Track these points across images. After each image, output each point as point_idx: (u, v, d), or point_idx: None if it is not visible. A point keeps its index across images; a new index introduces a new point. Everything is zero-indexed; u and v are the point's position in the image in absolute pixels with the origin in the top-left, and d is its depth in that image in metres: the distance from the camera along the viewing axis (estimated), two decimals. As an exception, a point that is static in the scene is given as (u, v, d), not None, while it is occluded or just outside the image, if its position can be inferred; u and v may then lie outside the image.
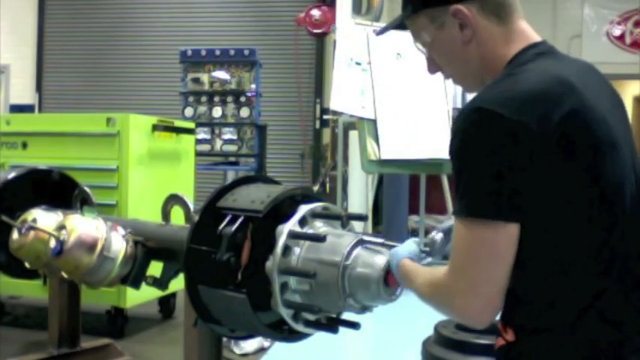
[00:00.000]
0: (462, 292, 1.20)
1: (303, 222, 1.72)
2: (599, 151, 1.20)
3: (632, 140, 1.33)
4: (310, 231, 1.71)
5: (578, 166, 1.18)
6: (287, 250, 1.67)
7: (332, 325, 1.76)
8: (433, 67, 1.43)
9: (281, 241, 1.66)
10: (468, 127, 1.20)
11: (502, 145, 1.16)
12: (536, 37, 1.35)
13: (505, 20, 1.33)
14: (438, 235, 1.60)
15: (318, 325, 1.75)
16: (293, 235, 1.67)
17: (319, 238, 1.65)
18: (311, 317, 1.73)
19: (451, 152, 1.23)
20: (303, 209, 1.73)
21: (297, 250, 1.68)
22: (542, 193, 1.17)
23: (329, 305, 1.68)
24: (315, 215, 1.75)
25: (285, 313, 1.68)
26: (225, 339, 2.13)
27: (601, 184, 1.19)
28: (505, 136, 1.15)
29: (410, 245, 1.51)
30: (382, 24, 5.55)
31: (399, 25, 1.46)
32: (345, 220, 1.80)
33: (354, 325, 1.75)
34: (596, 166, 1.19)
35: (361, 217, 1.91)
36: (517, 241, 1.18)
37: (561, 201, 1.18)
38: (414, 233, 6.42)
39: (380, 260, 1.59)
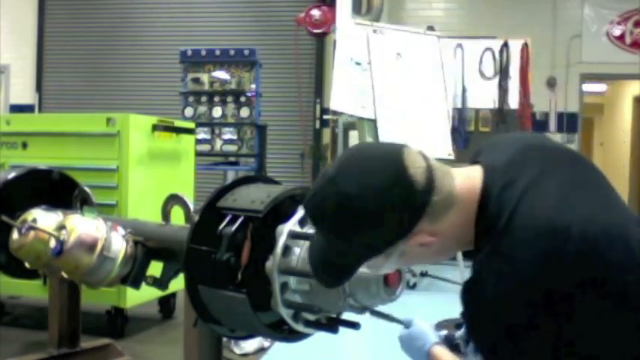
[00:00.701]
0: None
1: (303, 222, 1.72)
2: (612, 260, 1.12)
3: (621, 201, 1.26)
4: (310, 231, 1.71)
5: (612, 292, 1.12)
6: (287, 250, 1.67)
7: (332, 325, 1.76)
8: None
9: (281, 241, 1.66)
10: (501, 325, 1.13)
11: (533, 324, 1.11)
12: (475, 180, 1.22)
13: (452, 204, 1.19)
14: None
15: (318, 325, 1.75)
16: (293, 235, 1.67)
17: (319, 238, 1.65)
18: (311, 317, 1.73)
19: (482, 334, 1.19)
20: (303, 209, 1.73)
21: (297, 250, 1.68)
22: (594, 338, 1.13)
23: (329, 305, 1.68)
24: (315, 215, 1.75)
25: (285, 313, 1.68)
26: (225, 339, 2.13)
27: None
28: (536, 318, 1.11)
29: (427, 327, 1.51)
30: (382, 24, 5.56)
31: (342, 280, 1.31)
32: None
33: (354, 325, 1.75)
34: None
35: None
36: None
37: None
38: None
39: (380, 260, 1.59)
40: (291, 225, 1.68)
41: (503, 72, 6.55)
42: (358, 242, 1.18)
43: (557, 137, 7.80)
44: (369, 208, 1.14)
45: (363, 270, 1.26)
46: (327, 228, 1.20)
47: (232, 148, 6.39)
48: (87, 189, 2.94)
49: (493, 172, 1.22)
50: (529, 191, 1.17)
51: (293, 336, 1.82)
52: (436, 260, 1.33)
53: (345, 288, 1.60)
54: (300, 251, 1.68)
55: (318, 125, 8.50)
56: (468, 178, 1.22)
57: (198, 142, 5.61)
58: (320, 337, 1.87)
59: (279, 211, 1.75)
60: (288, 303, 1.67)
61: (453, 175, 1.22)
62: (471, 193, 1.21)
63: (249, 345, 3.52)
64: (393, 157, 1.18)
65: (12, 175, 2.97)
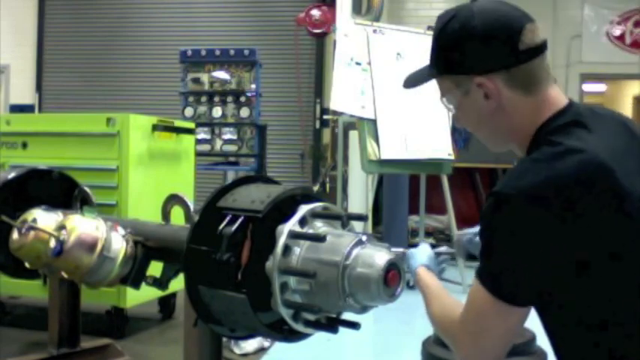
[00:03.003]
0: (467, 343, 1.28)
1: (303, 222, 1.72)
2: (629, 230, 1.19)
3: None
4: (310, 231, 1.71)
5: (604, 247, 1.18)
6: (287, 249, 1.67)
7: (332, 325, 1.76)
8: (459, 122, 1.45)
9: (281, 241, 1.66)
10: (496, 211, 1.21)
11: (528, 234, 1.18)
12: (562, 101, 1.33)
13: (532, 91, 1.31)
14: (464, 237, 1.72)
15: (317, 325, 1.75)
16: (293, 235, 1.67)
17: (319, 238, 1.65)
18: (311, 317, 1.73)
19: (481, 226, 1.26)
20: (304, 209, 1.73)
21: (297, 250, 1.68)
22: (566, 278, 1.20)
23: (329, 305, 1.68)
24: (315, 215, 1.75)
25: (285, 313, 1.68)
26: (225, 339, 2.13)
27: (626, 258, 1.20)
28: (531, 227, 1.17)
29: (426, 250, 1.62)
30: (382, 24, 5.55)
31: (425, 80, 1.47)
32: (345, 220, 1.80)
33: (354, 325, 1.75)
34: (625, 245, 1.19)
35: (361, 217, 1.91)
36: (525, 318, 1.26)
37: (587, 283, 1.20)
38: (414, 232, 6.42)
39: (380, 260, 1.59)
40: (292, 225, 1.69)
41: (503, 72, 6.54)
42: (451, 54, 1.34)
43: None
44: (476, 26, 1.29)
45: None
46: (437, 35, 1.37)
47: (232, 148, 6.39)
48: (87, 189, 2.94)
49: (578, 108, 1.32)
50: (590, 137, 1.24)
51: (293, 336, 1.82)
52: (480, 134, 1.41)
53: (345, 288, 1.60)
54: (300, 251, 1.68)
55: (318, 125, 8.50)
56: (559, 93, 1.33)
57: (198, 142, 5.61)
58: (320, 337, 1.87)
59: (280, 211, 1.75)
60: (288, 303, 1.67)
61: (551, 81, 1.33)
62: (548, 102, 1.31)
63: (249, 345, 3.52)
64: (522, 13, 1.32)
65: (12, 175, 2.96)
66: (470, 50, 1.31)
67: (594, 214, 1.17)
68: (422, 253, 1.61)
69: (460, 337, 1.29)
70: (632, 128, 1.35)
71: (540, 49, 1.30)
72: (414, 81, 1.53)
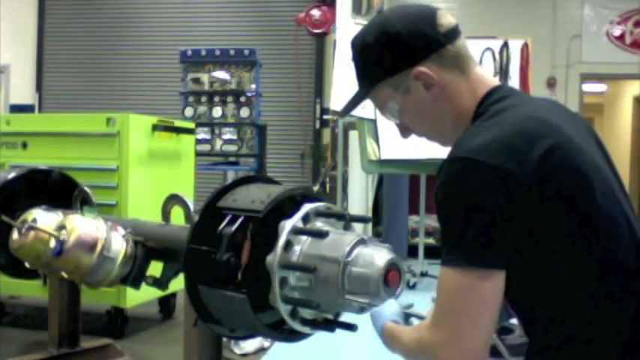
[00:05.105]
0: (445, 343, 1.19)
1: (305, 220, 1.72)
2: (583, 180, 1.21)
3: (614, 167, 1.35)
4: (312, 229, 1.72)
5: (564, 200, 1.19)
6: (288, 245, 1.67)
7: (329, 324, 1.76)
8: (406, 131, 1.46)
9: (283, 235, 1.66)
10: (451, 177, 1.21)
11: (486, 193, 1.17)
12: (494, 81, 1.39)
13: (465, 70, 1.36)
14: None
15: (314, 324, 1.75)
16: (295, 231, 1.68)
17: (321, 234, 1.65)
18: (308, 316, 1.73)
19: (437, 202, 1.24)
20: (307, 207, 1.73)
21: (298, 245, 1.68)
22: (532, 235, 1.18)
23: (328, 303, 1.68)
24: (318, 214, 1.75)
25: (283, 309, 1.68)
26: (225, 339, 2.13)
27: (590, 213, 1.20)
28: (488, 184, 1.17)
29: (392, 306, 1.49)
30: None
31: (360, 99, 1.49)
32: (348, 220, 1.80)
33: (350, 327, 1.75)
34: (583, 196, 1.20)
35: (365, 219, 1.91)
36: (503, 289, 1.19)
37: (552, 237, 1.19)
38: (414, 232, 6.42)
39: (380, 260, 1.59)
40: (295, 221, 1.69)
41: (503, 72, 6.55)
42: (379, 61, 1.37)
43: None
44: (394, 25, 1.35)
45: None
46: (360, 46, 1.41)
47: (232, 148, 6.38)
48: (87, 189, 2.94)
49: (510, 87, 1.42)
50: (528, 105, 1.32)
51: (293, 336, 1.82)
52: (430, 130, 1.43)
53: (344, 285, 1.60)
54: (301, 247, 1.68)
55: (318, 125, 8.49)
56: (488, 74, 1.41)
57: (198, 142, 5.61)
58: (320, 337, 1.87)
59: (280, 211, 1.75)
60: (287, 298, 1.67)
61: (476, 63, 1.38)
62: (481, 81, 1.37)
63: (249, 345, 3.52)
64: (430, 7, 1.39)
65: (12, 175, 2.97)
66: (398, 47, 1.34)
67: (552, 163, 1.18)
68: (387, 311, 1.46)
69: (436, 336, 1.20)
70: (564, 107, 1.43)
71: (458, 30, 1.36)
72: (350, 105, 1.54)
